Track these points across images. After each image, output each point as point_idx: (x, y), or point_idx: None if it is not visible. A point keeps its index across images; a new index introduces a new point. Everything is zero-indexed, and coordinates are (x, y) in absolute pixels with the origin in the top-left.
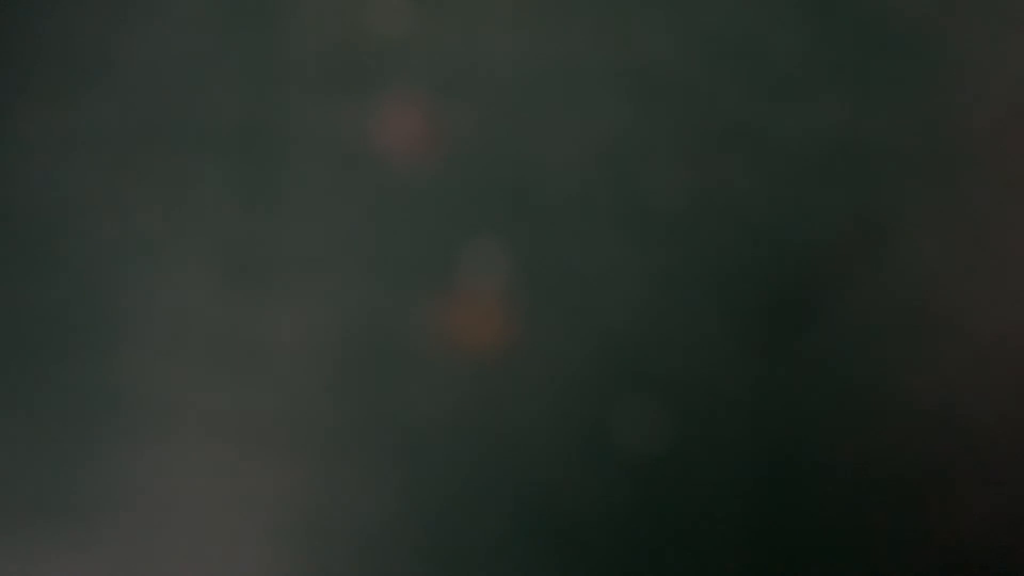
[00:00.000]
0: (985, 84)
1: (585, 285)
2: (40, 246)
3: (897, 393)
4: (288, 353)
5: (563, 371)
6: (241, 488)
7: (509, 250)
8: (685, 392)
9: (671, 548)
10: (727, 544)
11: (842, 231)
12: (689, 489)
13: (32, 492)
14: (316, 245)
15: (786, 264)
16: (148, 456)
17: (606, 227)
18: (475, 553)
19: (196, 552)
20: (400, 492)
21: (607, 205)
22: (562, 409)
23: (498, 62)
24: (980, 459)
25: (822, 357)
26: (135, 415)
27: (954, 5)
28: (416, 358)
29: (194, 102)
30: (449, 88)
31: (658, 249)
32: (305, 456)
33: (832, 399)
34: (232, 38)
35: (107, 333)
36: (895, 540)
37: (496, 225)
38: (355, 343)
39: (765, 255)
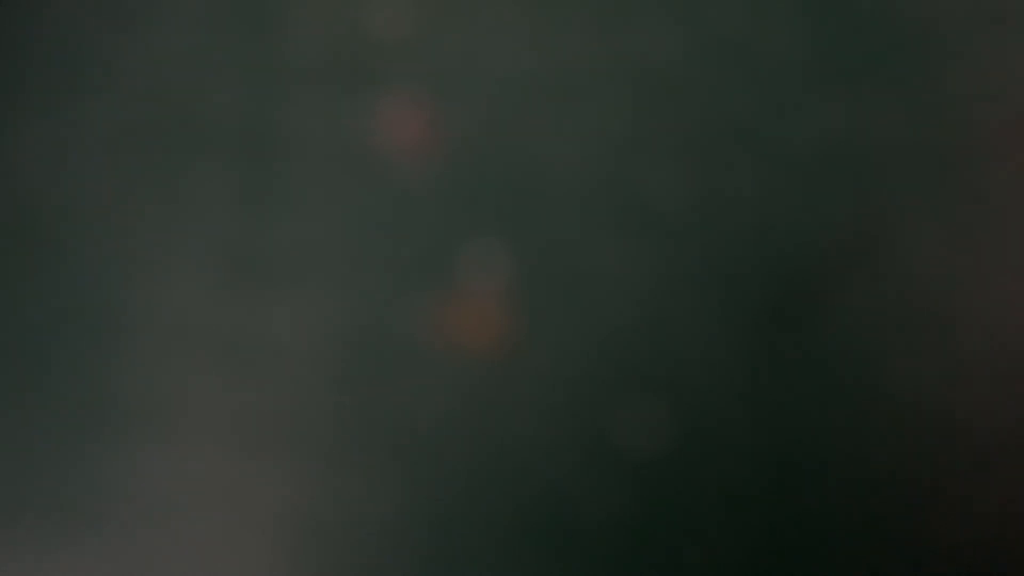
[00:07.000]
0: (985, 85)
1: (586, 285)
2: (40, 246)
3: (898, 393)
4: (288, 353)
5: (564, 371)
6: (241, 488)
7: (510, 250)
8: (686, 392)
9: (672, 548)
10: (728, 544)
11: (843, 232)
12: (690, 489)
13: (32, 492)
14: (316, 245)
15: (787, 265)
16: (148, 456)
17: (607, 227)
18: (475, 553)
19: (196, 552)
20: (401, 492)
21: (608, 205)
22: (563, 409)
23: (498, 62)
24: (980, 459)
25: (823, 357)
26: (135, 415)
27: (955, 6)
28: (417, 358)
29: (194, 102)
30: (449, 88)
31: (659, 249)
32: (305, 456)
33: (833, 399)
34: (232, 38)
35: (107, 333)
36: (895, 540)
37: (497, 225)
38: (355, 343)
39: (766, 256)
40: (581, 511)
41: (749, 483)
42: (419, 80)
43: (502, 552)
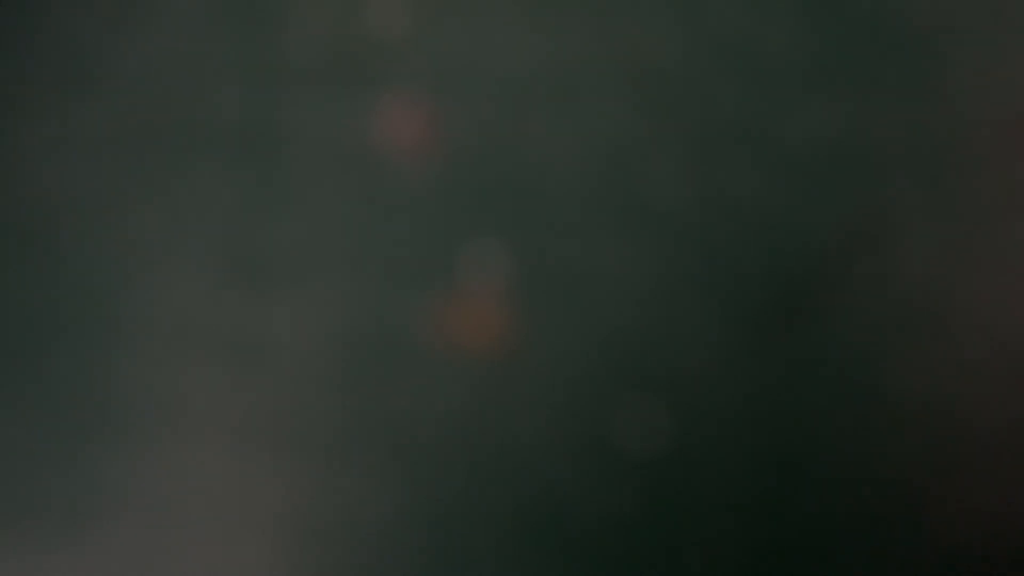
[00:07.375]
0: (985, 86)
1: (586, 285)
2: (40, 246)
3: (897, 393)
4: (288, 353)
5: (564, 371)
6: (241, 488)
7: (510, 250)
8: (686, 392)
9: (672, 548)
10: (728, 544)
11: (843, 232)
12: (690, 489)
13: (31, 492)
14: (316, 245)
15: (787, 265)
16: (148, 456)
17: (607, 227)
18: (475, 553)
19: (196, 552)
20: (401, 492)
21: (608, 205)
22: (563, 408)
23: (499, 62)
24: (980, 459)
25: (823, 357)
26: (135, 415)
27: (954, 7)
28: (417, 358)
29: (194, 102)
30: (449, 88)
31: (659, 249)
32: (306, 456)
33: (833, 399)
34: (232, 38)
35: (107, 333)
36: (895, 540)
37: (497, 225)
38: (356, 343)
39: (766, 256)
40: (581, 511)
41: (749, 483)
42: (419, 80)
43: (502, 552)
